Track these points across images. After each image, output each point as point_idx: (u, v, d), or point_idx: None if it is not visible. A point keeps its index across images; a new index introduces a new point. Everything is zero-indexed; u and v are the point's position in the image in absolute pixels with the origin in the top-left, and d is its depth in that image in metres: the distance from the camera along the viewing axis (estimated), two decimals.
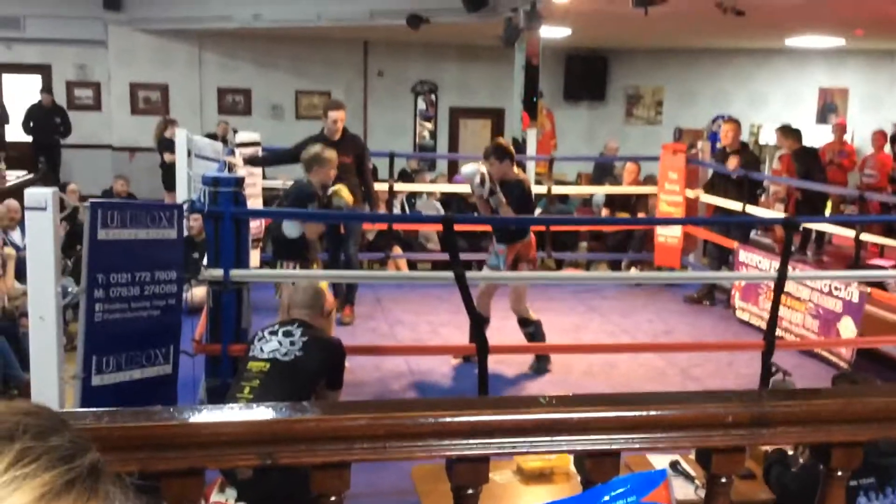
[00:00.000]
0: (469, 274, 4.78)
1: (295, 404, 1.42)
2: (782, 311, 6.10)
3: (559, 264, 9.22)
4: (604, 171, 11.93)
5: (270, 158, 7.45)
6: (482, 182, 5.52)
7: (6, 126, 11.91)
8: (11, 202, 6.79)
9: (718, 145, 8.27)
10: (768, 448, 3.38)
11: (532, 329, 5.80)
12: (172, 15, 12.74)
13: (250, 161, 7.00)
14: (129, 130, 13.44)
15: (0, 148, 10.78)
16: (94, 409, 1.33)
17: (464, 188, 9.49)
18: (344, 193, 5.63)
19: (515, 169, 5.85)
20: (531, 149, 9.48)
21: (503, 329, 6.64)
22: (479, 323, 4.61)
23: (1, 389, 4.90)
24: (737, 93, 14.44)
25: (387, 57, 14.22)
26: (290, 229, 5.39)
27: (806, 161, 8.93)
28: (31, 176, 9.72)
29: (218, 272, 4.24)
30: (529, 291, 7.78)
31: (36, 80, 13.16)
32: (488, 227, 9.27)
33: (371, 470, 3.48)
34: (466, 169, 5.78)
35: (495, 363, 5.62)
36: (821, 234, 8.88)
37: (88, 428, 1.24)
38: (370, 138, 13.70)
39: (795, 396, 1.68)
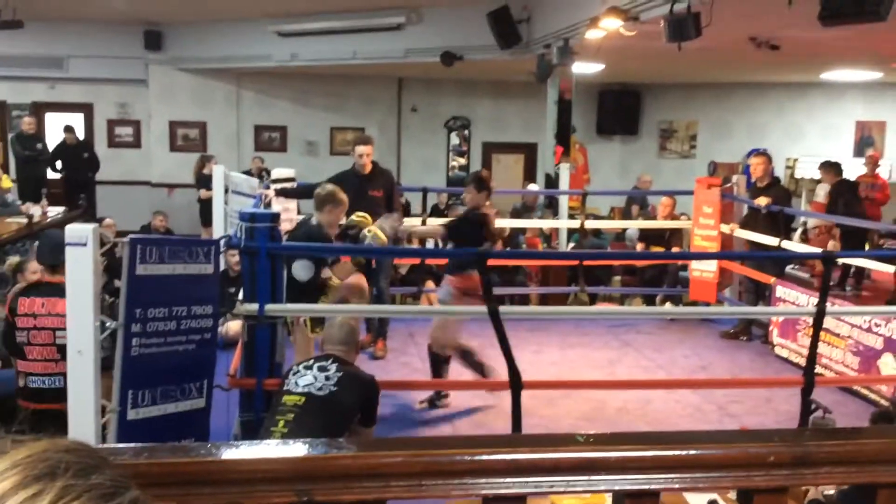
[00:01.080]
0: (502, 309, 4.76)
1: (331, 441, 1.42)
2: (821, 348, 5.99)
3: (593, 299, 9.16)
4: (632, 200, 11.93)
5: (301, 191, 7.52)
6: (395, 232, 5.64)
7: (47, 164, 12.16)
8: None
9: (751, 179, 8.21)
10: (809, 489, 3.30)
11: (439, 362, 5.77)
12: (212, 55, 13.03)
13: (282, 192, 7.08)
14: (168, 167, 13.69)
15: (42, 185, 11.00)
16: (133, 445, 1.34)
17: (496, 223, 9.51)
18: (381, 234, 5.49)
19: (488, 203, 5.98)
20: (564, 183, 9.47)
21: (536, 363, 6.60)
22: (512, 358, 4.56)
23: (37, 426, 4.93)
24: (772, 126, 14.35)
25: (421, 93, 14.38)
26: (301, 271, 4.83)
27: (844, 194, 8.81)
28: (74, 212, 9.90)
29: (253, 307, 4.27)
30: (566, 326, 7.73)
31: (78, 119, 13.47)
32: (521, 262, 9.28)
33: None
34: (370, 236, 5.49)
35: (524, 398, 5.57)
36: (860, 269, 8.73)
37: (127, 463, 1.24)
38: (403, 173, 13.83)
39: (838, 436, 1.65)
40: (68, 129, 12.27)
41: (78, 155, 12.23)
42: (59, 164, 12.11)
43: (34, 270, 5.85)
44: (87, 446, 0.79)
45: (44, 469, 0.72)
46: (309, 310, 5.22)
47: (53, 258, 4.36)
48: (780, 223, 7.58)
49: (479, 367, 5.73)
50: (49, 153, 11.98)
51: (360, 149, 6.79)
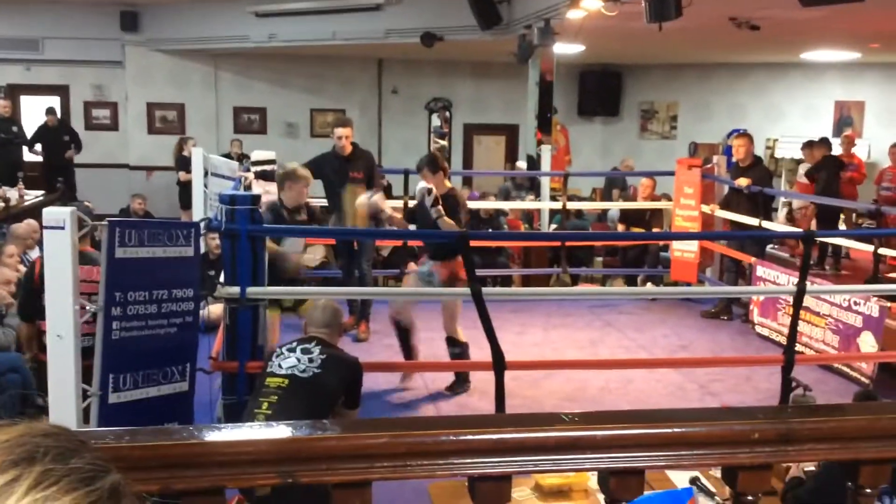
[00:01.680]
0: (485, 290, 4.76)
1: (315, 422, 1.41)
2: (802, 326, 6.04)
3: (574, 280, 9.18)
4: (613, 184, 11.97)
5: None
6: (434, 202, 5.50)
7: (24, 147, 12.01)
8: (32, 222, 6.83)
9: (734, 158, 8.23)
10: (790, 466, 3.34)
11: (459, 351, 5.69)
12: (188, 35, 12.87)
13: (262, 175, 7.04)
14: (146, 149, 13.55)
15: (18, 168, 10.86)
16: (115, 429, 1.32)
17: (478, 205, 9.50)
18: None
19: (447, 182, 5.85)
20: (545, 164, 9.47)
21: (519, 344, 6.63)
22: (495, 339, 4.57)
23: (20, 409, 4.92)
24: (752, 107, 14.39)
25: (401, 74, 14.29)
26: (291, 246, 5.29)
27: (828, 169, 8.87)
28: (51, 195, 9.80)
29: (234, 290, 4.25)
30: (548, 307, 7.77)
31: (54, 101, 13.31)
32: (504, 243, 9.29)
33: (388, 487, 3.46)
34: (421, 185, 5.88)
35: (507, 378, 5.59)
36: (837, 248, 8.80)
37: (109, 447, 1.23)
38: (384, 155, 13.76)
39: (822, 413, 1.66)
40: (50, 111, 12.16)
41: (58, 137, 12.10)
42: (38, 147, 11.97)
43: (10, 254, 5.80)
44: (66, 430, 0.77)
45: (21, 454, 0.70)
46: (289, 292, 5.21)
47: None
48: (761, 203, 7.62)
49: (410, 350, 5.81)
50: (25, 136, 11.83)
51: (340, 131, 6.76)
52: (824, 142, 9.23)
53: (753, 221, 7.45)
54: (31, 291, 4.86)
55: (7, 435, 0.72)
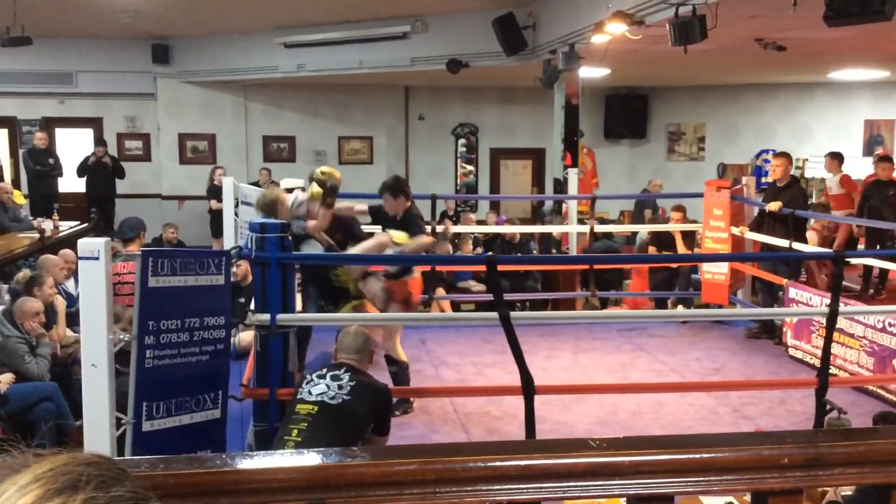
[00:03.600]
0: (514, 314, 4.76)
1: (344, 450, 1.43)
2: (836, 349, 5.96)
3: (604, 303, 9.14)
4: (644, 206, 11.93)
5: None
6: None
7: (59, 178, 12.25)
8: (67, 252, 6.95)
9: (764, 179, 8.16)
10: (826, 490, 3.29)
11: (395, 369, 5.69)
12: (219, 67, 13.10)
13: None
14: (178, 179, 13.75)
15: (54, 199, 11.07)
16: (149, 457, 1.35)
17: (504, 229, 9.51)
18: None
19: (407, 203, 5.83)
20: (572, 188, 9.47)
21: (548, 369, 6.60)
22: (524, 363, 4.57)
23: (55, 439, 4.98)
24: (780, 127, 14.31)
25: (428, 101, 14.40)
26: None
27: (880, 192, 8.75)
28: (86, 226, 9.98)
29: (265, 317, 4.29)
30: (577, 331, 7.73)
31: (88, 134, 13.56)
32: (531, 267, 9.28)
33: None
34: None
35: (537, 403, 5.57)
36: (884, 271, 8.57)
37: (144, 475, 1.26)
38: (412, 181, 13.81)
39: (852, 437, 1.64)
40: (100, 142, 12.49)
41: (104, 169, 12.35)
42: (85, 177, 12.25)
43: (51, 285, 5.91)
44: (108, 459, 0.80)
45: (65, 482, 0.73)
46: (320, 318, 5.25)
47: (132, 233, 7.27)
48: (791, 225, 7.53)
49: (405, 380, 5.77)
50: (61, 167, 12.06)
51: None
52: (887, 159, 9.02)
53: (784, 243, 7.38)
54: None
55: (51, 464, 0.75)
